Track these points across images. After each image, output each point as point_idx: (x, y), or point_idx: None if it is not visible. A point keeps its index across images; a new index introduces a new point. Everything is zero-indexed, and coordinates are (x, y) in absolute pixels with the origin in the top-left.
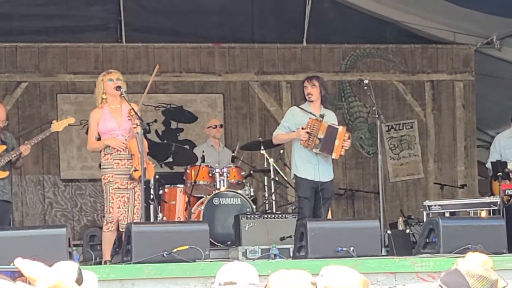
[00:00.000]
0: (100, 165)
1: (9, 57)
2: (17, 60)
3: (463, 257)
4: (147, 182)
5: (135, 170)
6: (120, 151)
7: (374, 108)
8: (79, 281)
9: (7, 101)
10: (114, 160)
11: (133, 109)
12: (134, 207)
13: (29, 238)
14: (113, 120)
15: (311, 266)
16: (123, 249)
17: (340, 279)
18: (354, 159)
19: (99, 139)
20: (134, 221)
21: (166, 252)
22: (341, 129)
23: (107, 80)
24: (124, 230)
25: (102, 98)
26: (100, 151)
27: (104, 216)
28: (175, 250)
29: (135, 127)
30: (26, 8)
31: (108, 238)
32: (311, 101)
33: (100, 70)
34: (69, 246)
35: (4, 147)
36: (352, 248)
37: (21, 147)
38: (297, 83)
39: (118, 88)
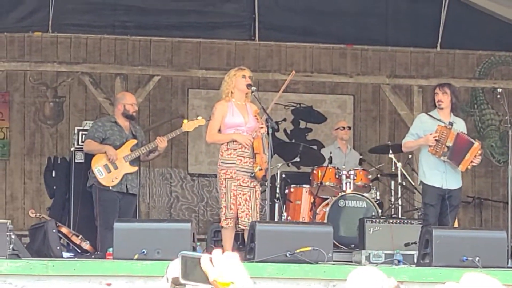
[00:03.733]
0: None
1: (143, 50)
2: (151, 54)
3: None
4: (272, 181)
5: (260, 170)
6: (245, 148)
7: (506, 118)
8: None
9: (139, 94)
10: (237, 156)
11: (263, 107)
12: (256, 205)
13: (155, 231)
14: (241, 116)
15: (434, 274)
16: (247, 247)
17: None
18: (483, 167)
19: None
20: (256, 219)
21: (289, 252)
22: (476, 144)
23: (240, 76)
24: (245, 228)
25: (231, 92)
26: (221, 145)
27: (221, 211)
28: (298, 250)
29: (262, 127)
30: (162, 3)
31: (228, 235)
32: (441, 108)
33: (232, 67)
34: (193, 240)
35: (135, 141)
36: (477, 258)
37: (158, 140)
38: (429, 88)
39: (249, 86)
